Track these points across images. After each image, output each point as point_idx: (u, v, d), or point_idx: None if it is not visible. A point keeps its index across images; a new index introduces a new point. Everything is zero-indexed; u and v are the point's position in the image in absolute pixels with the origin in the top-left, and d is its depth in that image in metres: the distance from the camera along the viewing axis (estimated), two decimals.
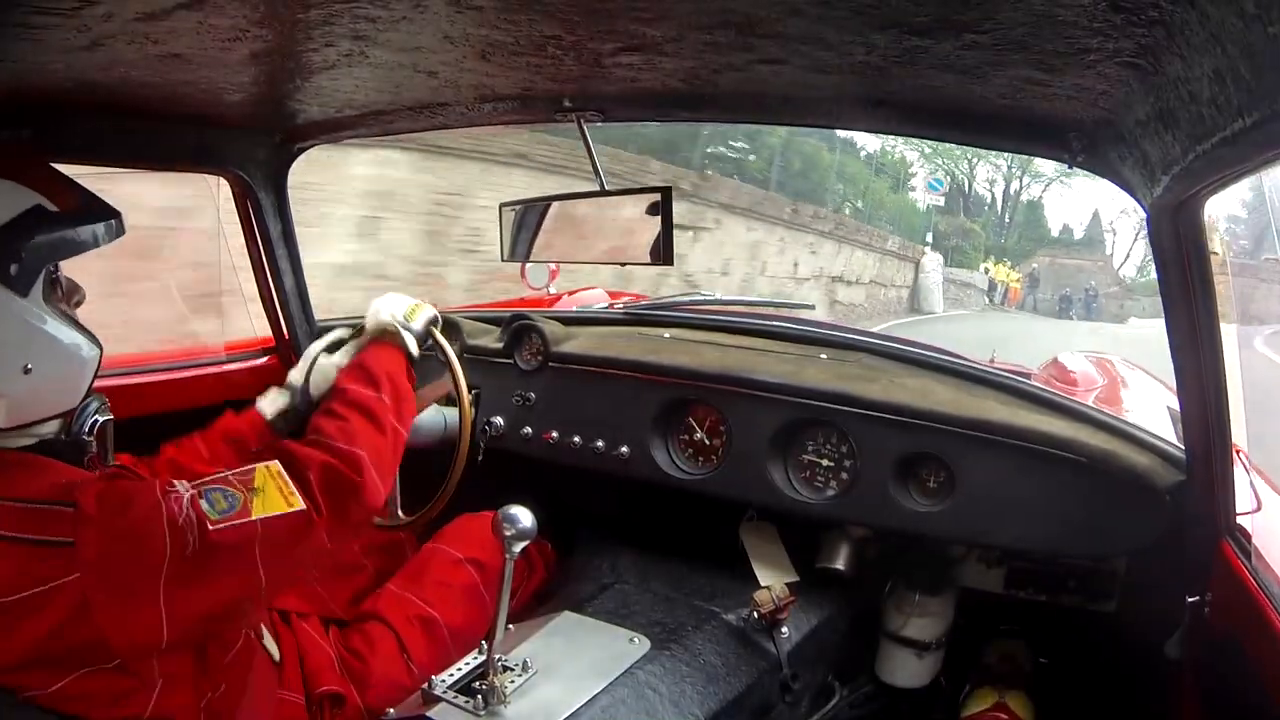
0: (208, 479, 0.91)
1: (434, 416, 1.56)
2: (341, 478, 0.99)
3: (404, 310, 1.26)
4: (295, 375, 1.30)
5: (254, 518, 0.89)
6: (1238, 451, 1.06)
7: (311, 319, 1.76)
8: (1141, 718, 1.31)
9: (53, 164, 0.94)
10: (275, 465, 0.95)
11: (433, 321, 1.29)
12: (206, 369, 1.69)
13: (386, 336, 1.23)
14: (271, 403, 1.28)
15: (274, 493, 0.92)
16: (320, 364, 1.29)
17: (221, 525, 0.86)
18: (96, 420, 0.94)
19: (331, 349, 1.30)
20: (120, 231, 0.94)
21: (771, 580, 1.41)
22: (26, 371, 0.84)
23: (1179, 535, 1.12)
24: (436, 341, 1.32)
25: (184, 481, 0.89)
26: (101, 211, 0.93)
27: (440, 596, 1.31)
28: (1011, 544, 1.34)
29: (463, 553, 1.37)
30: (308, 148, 1.56)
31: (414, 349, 1.23)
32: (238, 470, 0.94)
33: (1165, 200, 0.83)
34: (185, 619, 0.84)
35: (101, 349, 0.93)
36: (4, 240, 0.82)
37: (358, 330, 1.30)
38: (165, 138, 1.32)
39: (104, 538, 0.80)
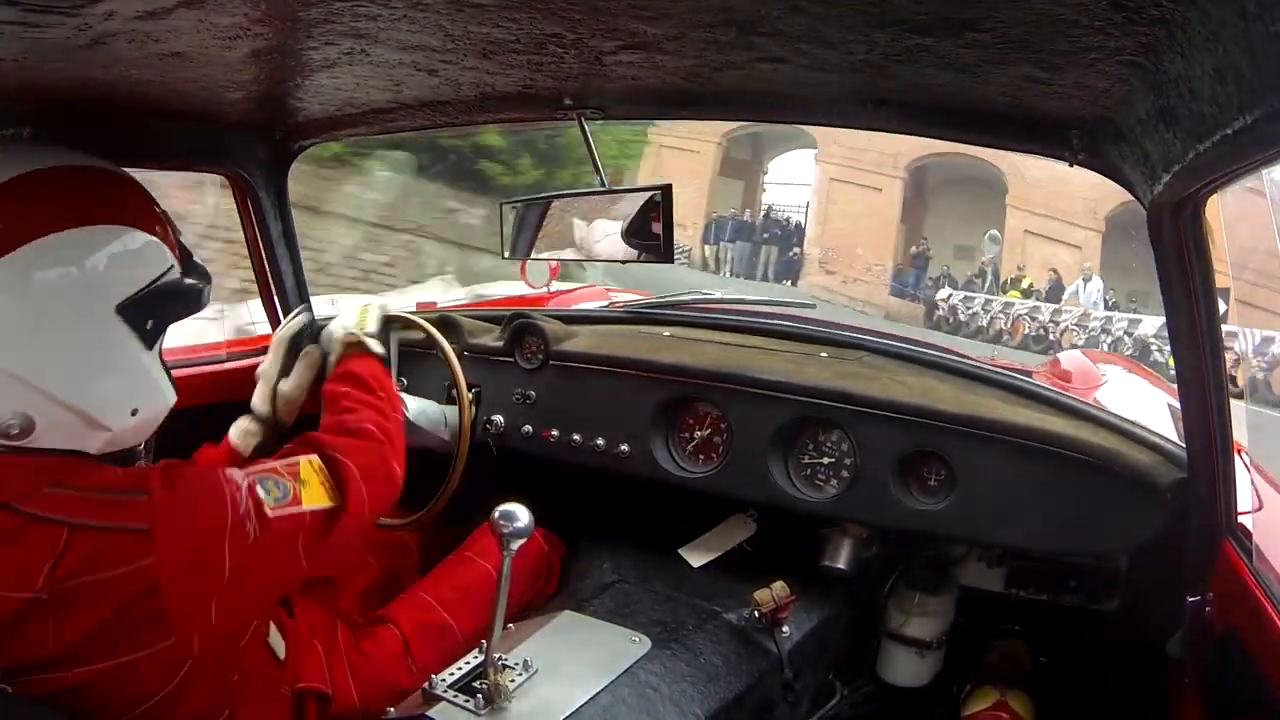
0: (257, 469, 0.96)
1: (435, 416, 1.56)
2: (376, 467, 1.07)
3: (354, 321, 1.33)
4: (261, 406, 1.34)
5: (304, 508, 0.95)
6: (1239, 450, 1.06)
7: (313, 318, 1.76)
8: (1142, 717, 1.31)
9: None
10: (316, 460, 1.01)
11: (387, 320, 1.39)
12: (207, 368, 1.69)
13: (353, 349, 1.30)
14: (243, 436, 1.32)
15: (317, 486, 0.99)
16: (281, 391, 1.33)
17: (279, 512, 0.92)
18: None
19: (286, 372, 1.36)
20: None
21: (691, 555, 1.47)
22: (133, 413, 0.90)
23: (1180, 534, 1.12)
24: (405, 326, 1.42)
25: (237, 470, 0.94)
26: (200, 268, 0.98)
27: (458, 602, 1.32)
28: (1012, 542, 1.34)
29: (490, 561, 1.37)
30: (308, 146, 1.56)
31: (380, 350, 1.31)
32: (283, 460, 1.00)
33: (1166, 198, 0.83)
34: (236, 601, 0.89)
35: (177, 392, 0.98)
36: (150, 297, 0.89)
37: (311, 350, 1.35)
38: (165, 137, 1.31)
39: (177, 524, 0.85)
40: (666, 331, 1.69)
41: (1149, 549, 1.20)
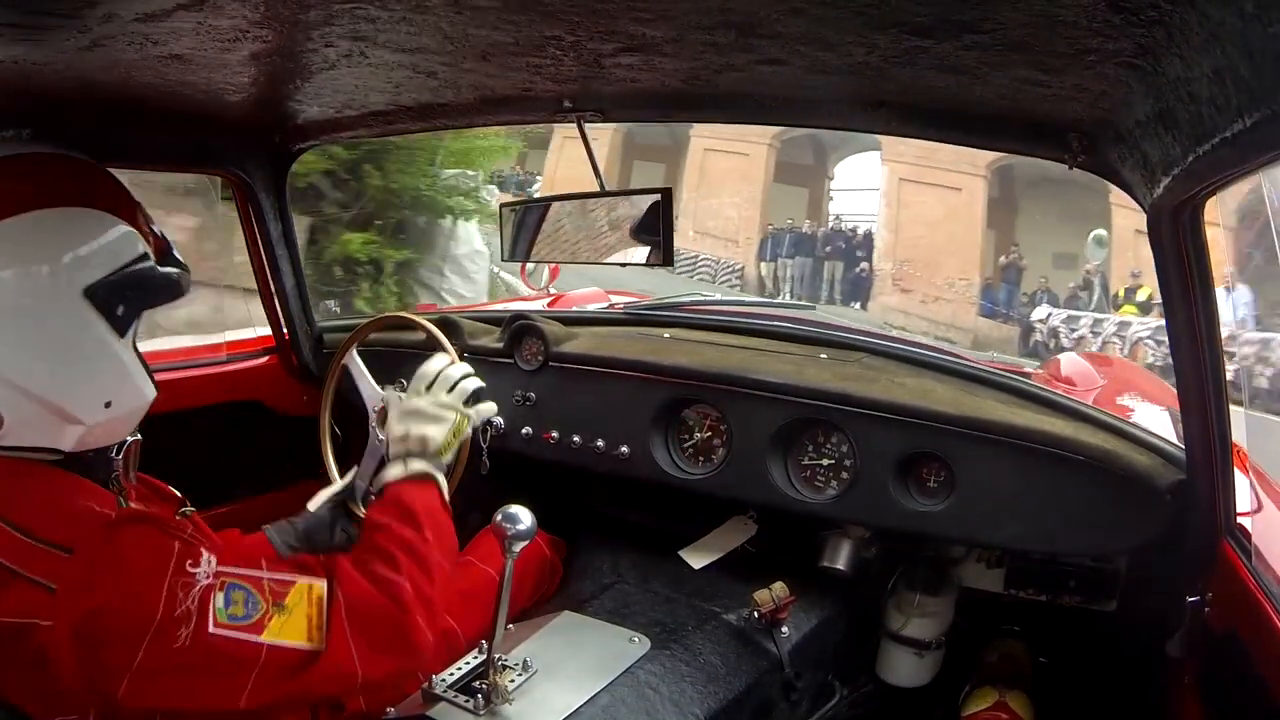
0: (239, 571, 0.84)
1: None
2: (384, 614, 0.91)
3: (439, 442, 1.11)
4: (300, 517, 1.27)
5: (262, 640, 0.82)
6: (1237, 451, 1.06)
7: (312, 319, 1.76)
8: (1142, 717, 1.31)
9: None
10: (320, 588, 0.88)
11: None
12: (208, 369, 1.70)
13: (417, 476, 1.08)
14: (278, 531, 1.25)
15: (299, 619, 0.85)
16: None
17: (223, 632, 0.80)
18: (125, 439, 0.95)
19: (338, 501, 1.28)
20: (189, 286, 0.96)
21: (690, 556, 1.47)
22: (107, 406, 0.87)
23: (1179, 535, 1.12)
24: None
25: (212, 559, 0.83)
26: (179, 261, 0.95)
27: (462, 607, 1.31)
28: (1011, 543, 1.34)
29: (492, 565, 1.37)
30: (307, 148, 1.56)
31: (446, 488, 1.10)
32: (278, 575, 0.87)
33: (1165, 201, 0.83)
34: (151, 698, 0.79)
35: (157, 389, 0.95)
36: (120, 282, 0.86)
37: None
38: (165, 138, 1.32)
39: (89, 596, 0.77)
40: (666, 333, 1.69)
41: (1148, 550, 1.20)
